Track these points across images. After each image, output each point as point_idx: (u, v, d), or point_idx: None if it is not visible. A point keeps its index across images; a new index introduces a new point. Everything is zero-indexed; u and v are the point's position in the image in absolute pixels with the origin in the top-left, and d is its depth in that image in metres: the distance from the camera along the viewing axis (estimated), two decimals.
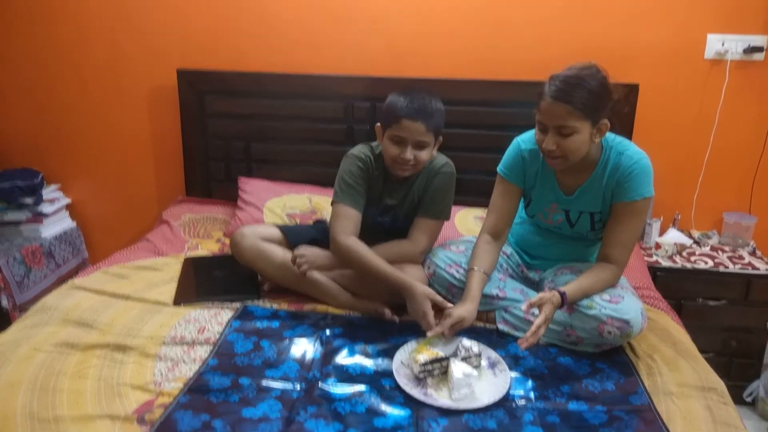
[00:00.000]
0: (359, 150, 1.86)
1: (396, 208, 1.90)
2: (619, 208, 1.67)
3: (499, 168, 1.81)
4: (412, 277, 1.75)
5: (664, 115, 2.44)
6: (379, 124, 1.82)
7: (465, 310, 1.61)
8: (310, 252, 1.79)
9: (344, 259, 1.78)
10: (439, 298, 1.63)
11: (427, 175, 1.86)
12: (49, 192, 2.68)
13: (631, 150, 1.67)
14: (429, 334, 1.57)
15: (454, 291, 1.77)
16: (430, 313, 1.60)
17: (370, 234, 1.85)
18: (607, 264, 1.68)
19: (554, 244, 1.87)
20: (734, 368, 2.31)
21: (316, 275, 1.82)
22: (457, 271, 1.77)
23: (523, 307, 1.59)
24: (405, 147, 1.74)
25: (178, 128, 2.60)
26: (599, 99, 1.55)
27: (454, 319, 1.58)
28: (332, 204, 1.83)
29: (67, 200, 2.75)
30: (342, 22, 2.47)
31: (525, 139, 1.78)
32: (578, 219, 1.77)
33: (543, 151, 1.64)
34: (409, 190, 1.87)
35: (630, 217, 1.66)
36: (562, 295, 1.57)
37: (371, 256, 1.72)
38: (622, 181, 1.64)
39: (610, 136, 1.69)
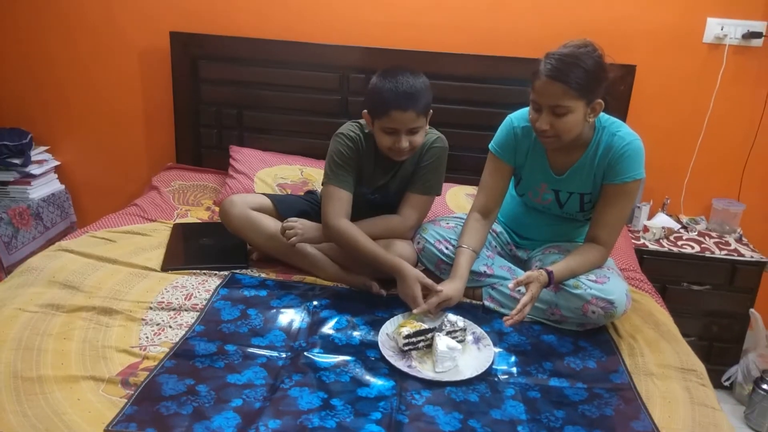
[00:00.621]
0: (348, 129, 1.83)
1: (387, 185, 1.89)
2: (609, 190, 1.67)
3: (491, 145, 1.80)
4: (402, 253, 1.76)
5: (660, 97, 2.44)
6: (366, 111, 1.77)
7: (452, 288, 1.61)
8: (299, 224, 1.79)
9: (336, 242, 1.78)
10: (429, 281, 1.63)
11: (418, 151, 1.84)
12: (38, 153, 2.65)
13: (624, 131, 1.66)
14: (415, 311, 1.57)
15: (443, 267, 1.78)
16: (420, 296, 1.60)
17: (361, 210, 1.84)
18: (595, 245, 1.68)
19: (543, 225, 1.87)
20: (714, 352, 2.35)
21: (306, 247, 1.82)
22: (446, 247, 1.77)
23: (510, 285, 1.60)
24: (399, 136, 1.70)
25: (169, 92, 2.56)
26: (595, 78, 1.53)
27: (440, 298, 1.58)
28: (323, 185, 1.81)
29: (56, 162, 2.72)
30: None
31: (518, 117, 1.77)
32: (568, 199, 1.77)
33: (536, 131, 1.63)
34: (401, 166, 1.85)
35: (620, 198, 1.67)
36: (550, 274, 1.58)
37: (363, 238, 1.72)
38: (613, 162, 1.64)
39: (603, 116, 1.68)
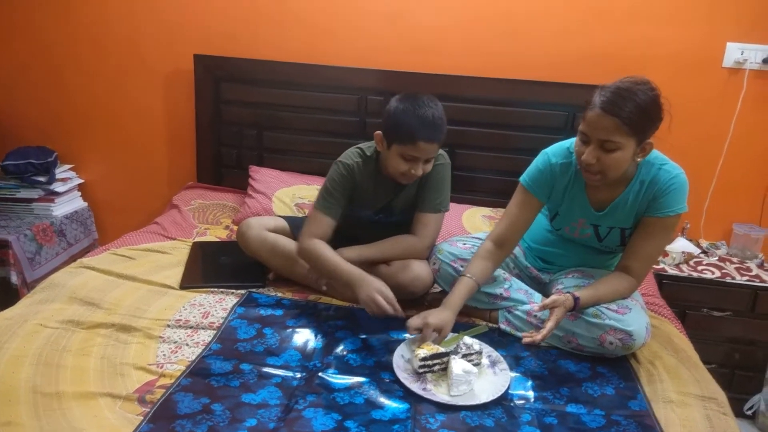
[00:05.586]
0: (349, 156, 1.84)
1: (391, 205, 1.89)
2: (649, 222, 1.63)
3: (523, 179, 1.74)
4: (419, 274, 1.77)
5: (679, 121, 2.38)
6: (381, 132, 1.76)
7: (440, 318, 1.54)
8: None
9: (305, 260, 1.79)
10: (390, 297, 1.61)
11: None
12: (62, 171, 2.70)
13: (669, 164, 1.63)
14: (408, 327, 1.55)
15: None
16: (379, 299, 1.59)
17: (368, 231, 1.85)
18: (626, 275, 1.65)
19: (576, 255, 1.82)
20: (736, 380, 2.30)
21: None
22: (462, 266, 1.76)
23: (535, 307, 1.58)
24: (417, 164, 1.71)
25: (192, 113, 2.61)
26: (648, 116, 1.48)
27: (427, 327, 1.52)
28: (312, 207, 1.84)
29: (79, 180, 2.78)
30: (359, 15, 2.47)
31: (555, 153, 1.71)
32: (608, 234, 1.72)
33: (581, 164, 1.57)
34: (404, 187, 1.86)
35: (659, 232, 1.63)
36: (576, 299, 1.57)
37: (330, 254, 1.73)
38: (658, 195, 1.60)
39: None
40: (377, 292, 1.61)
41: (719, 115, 2.40)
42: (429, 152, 1.71)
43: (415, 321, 1.54)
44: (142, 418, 1.26)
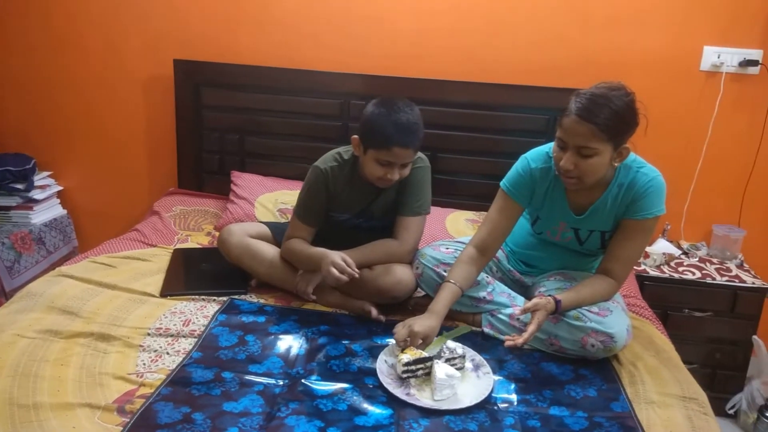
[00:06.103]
0: (324, 161, 1.84)
1: (370, 208, 1.89)
2: (628, 225, 1.65)
3: (504, 183, 1.75)
4: (401, 278, 1.77)
5: (658, 124, 2.42)
6: (357, 137, 1.76)
7: (425, 326, 1.53)
8: (299, 276, 1.82)
9: (288, 260, 1.85)
10: (349, 262, 1.67)
11: None
12: (41, 179, 2.67)
13: (647, 167, 1.64)
14: (395, 341, 1.55)
15: None
16: (333, 271, 1.65)
17: (349, 235, 1.85)
18: (607, 278, 1.66)
19: (558, 258, 1.83)
20: (718, 380, 2.32)
21: (306, 274, 1.82)
22: (445, 270, 1.76)
23: (517, 311, 1.58)
24: (393, 168, 1.71)
25: (172, 119, 2.59)
26: (624, 122, 1.50)
27: (413, 336, 1.52)
28: (293, 213, 1.89)
29: (58, 187, 2.74)
30: (341, 20, 2.47)
31: (534, 158, 1.72)
32: (588, 237, 1.74)
33: (559, 169, 1.59)
34: (383, 191, 1.86)
35: (638, 234, 1.64)
36: (558, 302, 1.57)
37: (299, 245, 1.81)
38: (636, 198, 1.62)
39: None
40: (339, 258, 1.67)
41: (697, 118, 2.43)
42: (404, 157, 1.71)
43: (401, 332, 1.53)
44: (122, 428, 1.24)
